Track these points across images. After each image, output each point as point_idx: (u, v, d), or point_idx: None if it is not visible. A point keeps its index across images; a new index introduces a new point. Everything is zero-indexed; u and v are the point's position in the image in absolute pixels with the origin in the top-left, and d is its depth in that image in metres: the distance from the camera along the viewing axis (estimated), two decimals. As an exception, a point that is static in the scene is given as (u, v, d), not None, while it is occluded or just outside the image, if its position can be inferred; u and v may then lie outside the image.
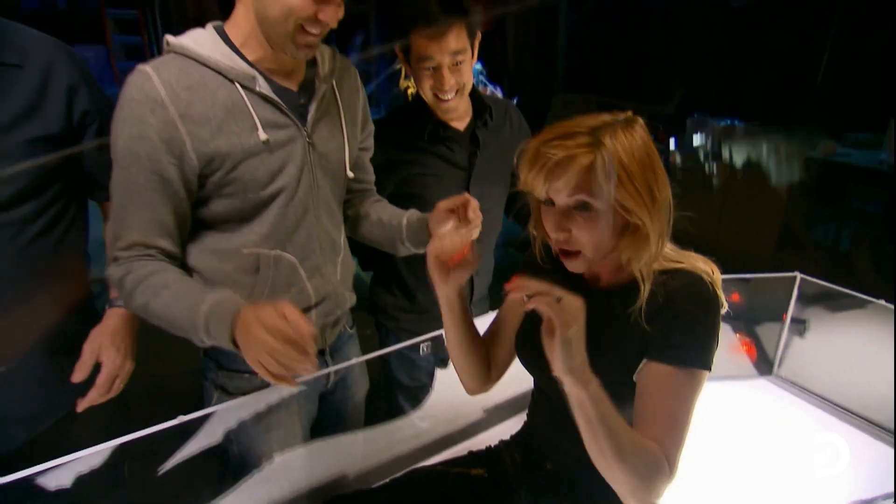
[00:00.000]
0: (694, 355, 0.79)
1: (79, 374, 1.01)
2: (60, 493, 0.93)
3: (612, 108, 0.87)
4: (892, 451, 1.36)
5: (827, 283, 1.56)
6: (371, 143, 1.22)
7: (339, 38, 8.36)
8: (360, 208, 1.22)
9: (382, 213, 1.20)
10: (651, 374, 0.80)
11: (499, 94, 6.44)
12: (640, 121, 0.83)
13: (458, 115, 1.37)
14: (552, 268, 0.93)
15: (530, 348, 0.95)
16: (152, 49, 7.11)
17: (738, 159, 4.18)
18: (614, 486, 0.78)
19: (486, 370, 1.04)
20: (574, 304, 0.69)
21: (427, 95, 1.30)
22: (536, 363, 0.95)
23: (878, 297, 1.49)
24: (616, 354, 0.84)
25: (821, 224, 4.32)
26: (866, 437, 1.42)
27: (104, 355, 1.03)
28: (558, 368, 0.70)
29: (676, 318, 0.80)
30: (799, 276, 1.58)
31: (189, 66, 0.91)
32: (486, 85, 6.50)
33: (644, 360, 0.82)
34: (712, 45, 6.88)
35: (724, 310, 0.84)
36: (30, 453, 1.01)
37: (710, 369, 0.81)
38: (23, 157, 0.95)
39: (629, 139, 0.79)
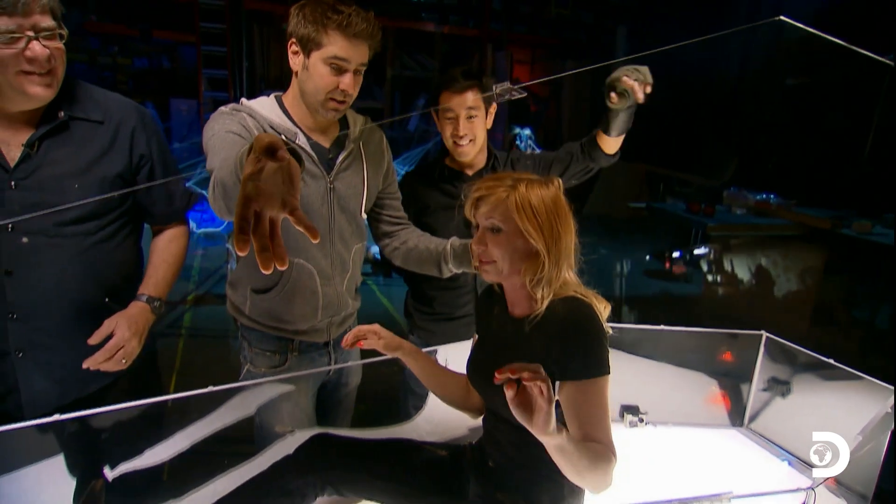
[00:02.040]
0: (593, 367, 1.00)
1: (94, 339, 1.23)
2: (109, 438, 1.23)
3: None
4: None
5: (791, 344, 1.68)
6: (396, 189, 1.57)
7: (403, 99, 8.95)
8: (408, 241, 1.53)
9: (429, 243, 1.50)
10: (570, 392, 1.02)
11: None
12: (557, 181, 1.10)
13: (471, 160, 1.71)
14: (491, 306, 1.22)
15: (479, 374, 1.19)
16: (236, 103, 7.96)
17: (771, 233, 4.25)
18: (582, 485, 1.00)
19: (467, 399, 1.28)
20: (549, 391, 0.86)
21: (448, 141, 1.66)
22: (484, 386, 1.18)
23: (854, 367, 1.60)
24: (528, 360, 1.04)
25: (863, 303, 4.26)
26: (821, 490, 1.52)
27: (117, 329, 1.25)
28: (539, 432, 0.87)
29: (569, 342, 1.02)
30: (765, 334, 1.72)
31: (253, 118, 1.28)
32: (534, 149, 6.87)
33: (559, 382, 1.03)
34: (767, 122, 6.99)
35: (609, 334, 1.06)
36: (81, 409, 1.25)
37: (607, 373, 1.01)
38: (94, 191, 1.24)
39: (542, 190, 1.06)
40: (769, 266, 4.31)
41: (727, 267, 4.56)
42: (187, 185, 1.50)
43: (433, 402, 1.67)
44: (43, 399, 1.30)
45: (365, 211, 1.46)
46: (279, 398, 1.39)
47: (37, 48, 1.11)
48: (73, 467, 1.21)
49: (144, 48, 7.76)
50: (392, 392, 1.87)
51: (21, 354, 1.27)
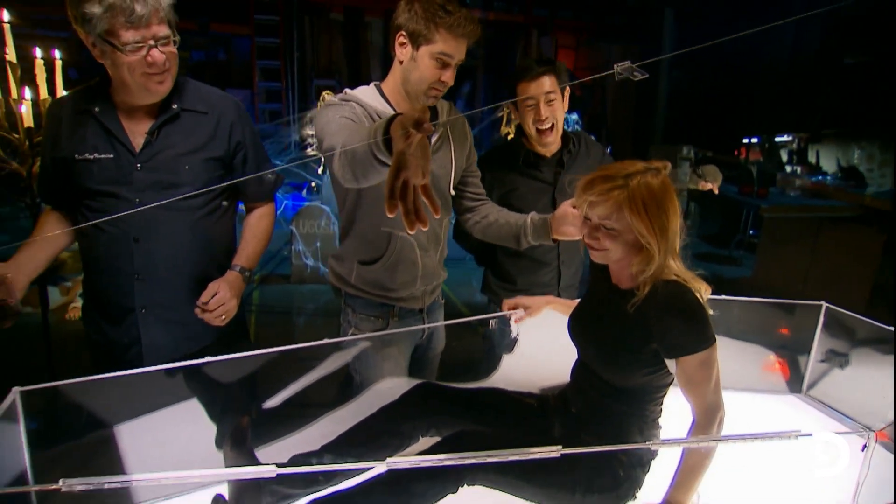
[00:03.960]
0: (700, 342, 1.11)
1: (203, 298, 1.42)
2: (233, 385, 1.42)
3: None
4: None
5: (853, 314, 1.75)
6: (476, 169, 1.71)
7: (450, 87, 9.10)
8: (488, 216, 1.68)
9: (508, 217, 1.64)
10: (685, 367, 1.13)
11: (593, 142, 6.77)
12: (665, 166, 1.17)
13: (550, 146, 1.84)
14: (595, 271, 1.34)
15: (579, 326, 1.33)
16: (288, 93, 8.25)
17: (827, 214, 4.20)
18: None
19: None
20: None
21: (531, 129, 1.77)
22: (581, 338, 1.32)
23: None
24: (626, 332, 1.18)
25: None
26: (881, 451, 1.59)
27: (220, 290, 1.44)
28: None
29: (673, 325, 1.12)
30: (824, 305, 1.79)
31: (361, 106, 1.43)
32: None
33: (674, 360, 1.15)
34: (821, 102, 6.80)
35: (711, 313, 1.15)
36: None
37: (713, 343, 1.12)
38: (201, 170, 1.46)
39: (653, 180, 1.13)
40: (824, 248, 4.27)
41: (780, 250, 4.53)
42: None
43: (506, 365, 1.82)
44: (160, 350, 1.50)
45: (453, 188, 1.61)
46: (381, 358, 1.57)
47: (156, 54, 1.30)
48: (207, 408, 1.42)
49: (202, 41, 8.10)
50: (469, 355, 2.03)
51: (144, 311, 1.47)
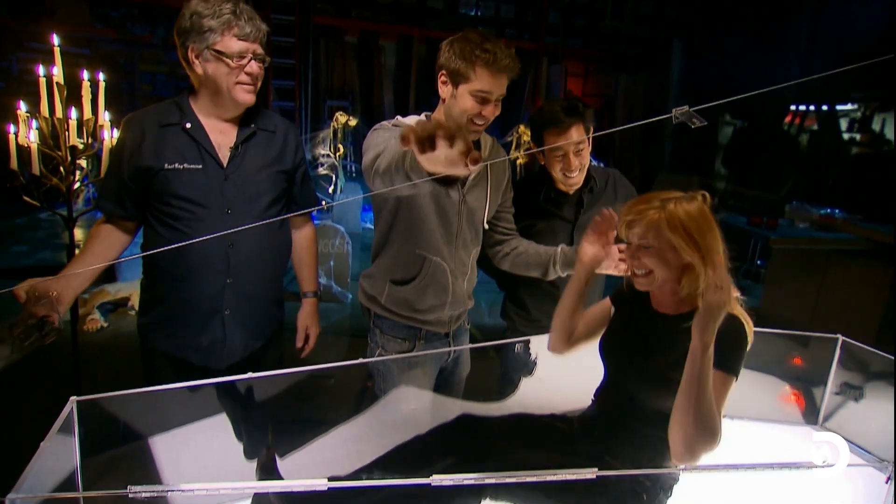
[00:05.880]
0: (726, 365, 1.13)
1: (299, 344, 1.72)
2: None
3: (716, 192, 1.24)
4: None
5: (867, 347, 1.79)
6: (511, 206, 1.76)
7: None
8: (518, 247, 1.73)
9: (538, 248, 1.71)
10: None
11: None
12: (701, 196, 1.21)
13: (575, 186, 1.83)
14: (634, 295, 1.35)
15: (613, 349, 1.36)
16: (301, 113, 8.40)
17: (836, 247, 4.23)
18: (679, 431, 1.09)
19: (568, 337, 1.43)
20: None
21: (557, 174, 1.77)
22: (613, 361, 1.35)
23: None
24: (671, 357, 1.20)
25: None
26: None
27: (311, 331, 1.78)
28: (702, 332, 1.04)
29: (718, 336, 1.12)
30: (840, 338, 1.83)
31: None
32: (591, 160, 6.96)
33: None
34: (828, 136, 6.90)
35: (750, 343, 1.18)
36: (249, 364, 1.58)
37: (736, 375, 1.14)
38: (272, 181, 1.60)
39: (689, 205, 1.18)
40: (832, 281, 4.30)
41: (788, 281, 4.57)
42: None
43: (525, 387, 1.86)
44: (235, 350, 1.62)
45: (486, 222, 1.67)
46: (406, 379, 1.62)
47: (254, 66, 1.47)
48: (234, 423, 1.48)
49: (219, 60, 8.25)
50: (489, 379, 2.06)
51: (228, 312, 1.58)
